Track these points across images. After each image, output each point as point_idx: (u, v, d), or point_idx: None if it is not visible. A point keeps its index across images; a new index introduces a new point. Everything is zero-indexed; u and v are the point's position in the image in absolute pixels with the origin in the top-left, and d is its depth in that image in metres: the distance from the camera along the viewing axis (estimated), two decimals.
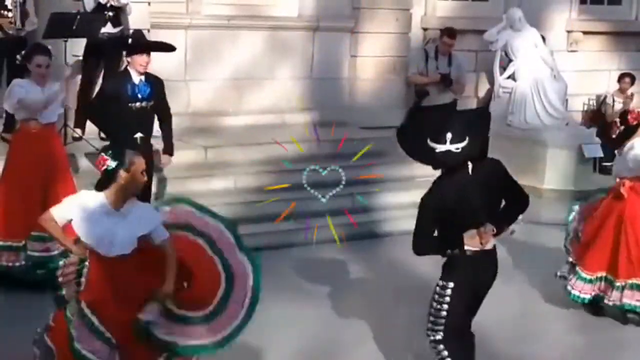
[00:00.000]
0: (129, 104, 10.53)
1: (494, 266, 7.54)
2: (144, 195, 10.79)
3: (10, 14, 12.27)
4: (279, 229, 11.67)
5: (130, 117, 10.57)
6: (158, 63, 11.87)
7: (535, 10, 17.03)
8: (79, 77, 12.75)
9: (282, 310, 9.34)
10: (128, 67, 10.63)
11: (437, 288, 7.48)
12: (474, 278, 7.42)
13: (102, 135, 12.04)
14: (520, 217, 7.85)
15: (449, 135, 7.13)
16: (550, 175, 15.20)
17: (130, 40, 10.90)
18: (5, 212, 10.24)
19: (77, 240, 6.95)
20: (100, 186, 6.81)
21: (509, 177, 7.70)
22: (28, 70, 10.27)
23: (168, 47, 11.22)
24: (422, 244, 7.35)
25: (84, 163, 11.70)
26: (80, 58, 12.75)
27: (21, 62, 10.57)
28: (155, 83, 10.76)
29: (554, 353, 9.53)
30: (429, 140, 7.25)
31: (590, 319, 10.35)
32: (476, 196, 7.30)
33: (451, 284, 7.39)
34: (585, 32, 18.24)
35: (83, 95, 12.62)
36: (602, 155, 15.96)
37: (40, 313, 9.50)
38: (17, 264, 10.12)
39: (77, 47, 12.60)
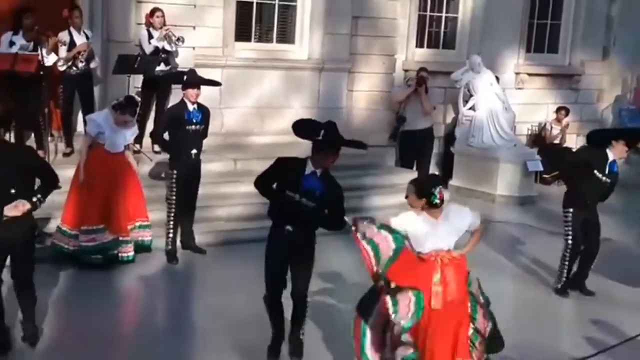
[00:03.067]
0: (186, 127, 10.49)
1: None
2: (191, 198, 10.83)
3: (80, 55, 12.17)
4: None
5: (186, 136, 10.53)
6: (205, 93, 11.89)
7: (491, 57, 17.03)
8: None
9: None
10: (183, 98, 10.57)
11: None
12: None
13: (156, 149, 12.09)
14: None
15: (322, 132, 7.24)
16: (501, 184, 15.20)
17: (185, 77, 10.83)
18: (75, 205, 10.27)
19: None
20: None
21: None
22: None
23: (215, 83, 11.31)
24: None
25: (140, 171, 11.60)
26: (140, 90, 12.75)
27: (115, 106, 10.48)
28: (205, 111, 10.73)
29: (502, 323, 9.39)
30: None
31: (534, 296, 10.38)
32: None
33: None
34: (529, 74, 18.27)
35: (142, 118, 12.54)
36: (541, 169, 16.04)
37: (98, 288, 9.66)
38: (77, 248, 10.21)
39: (137, 81, 12.62)
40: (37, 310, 8.37)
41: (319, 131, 7.26)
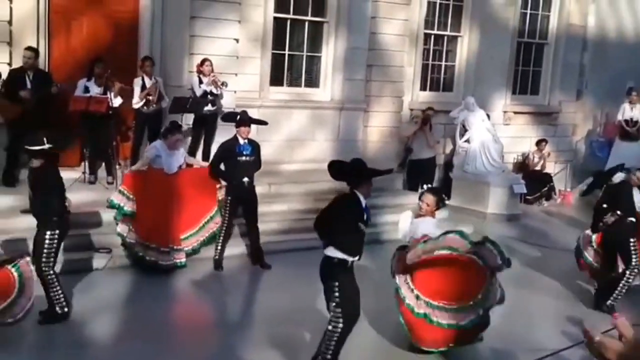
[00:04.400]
0: (237, 158, 10.55)
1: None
2: (250, 218, 10.85)
3: (150, 97, 12.36)
4: (314, 237, 11.59)
5: (239, 167, 10.57)
6: None
7: (483, 98, 17.00)
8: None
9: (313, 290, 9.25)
10: (236, 134, 10.62)
11: None
12: None
13: None
14: None
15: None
16: (492, 204, 15.12)
17: (238, 117, 10.89)
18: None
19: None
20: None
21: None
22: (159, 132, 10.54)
23: (262, 122, 11.35)
24: None
25: None
26: (191, 126, 12.84)
27: (165, 132, 10.75)
28: (255, 145, 10.78)
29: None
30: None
31: (518, 297, 10.26)
32: None
33: None
34: (515, 112, 18.24)
35: (192, 149, 12.72)
36: (525, 191, 16.03)
37: (156, 289, 9.72)
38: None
39: (188, 119, 12.69)
40: (107, 306, 8.68)
41: (357, 167, 7.10)
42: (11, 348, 7.45)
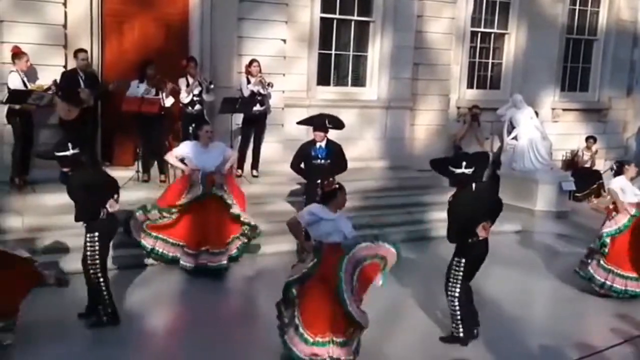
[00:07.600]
0: (313, 161, 10.81)
1: (487, 248, 7.89)
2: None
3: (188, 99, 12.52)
4: (363, 234, 11.67)
5: (313, 169, 10.80)
6: (293, 129, 12.08)
7: (531, 95, 17.04)
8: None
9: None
10: (314, 137, 10.88)
11: (454, 262, 7.85)
12: (476, 255, 7.84)
13: (254, 173, 12.52)
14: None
15: (463, 163, 7.40)
16: (540, 201, 15.05)
17: (313, 121, 11.00)
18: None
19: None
20: (325, 200, 7.37)
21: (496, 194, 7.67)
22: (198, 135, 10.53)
23: (338, 127, 11.47)
24: (452, 235, 7.56)
25: (246, 191, 11.56)
26: (240, 126, 13.09)
27: (194, 131, 10.92)
28: (333, 147, 10.94)
29: (540, 316, 9.55)
30: (450, 166, 7.57)
31: (567, 294, 10.33)
32: (481, 205, 7.62)
33: (464, 260, 7.80)
34: (564, 109, 18.24)
35: (241, 148, 12.97)
36: (574, 188, 15.96)
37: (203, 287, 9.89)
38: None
39: (238, 119, 12.93)
40: (164, 300, 8.99)
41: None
42: (71, 341, 7.70)
